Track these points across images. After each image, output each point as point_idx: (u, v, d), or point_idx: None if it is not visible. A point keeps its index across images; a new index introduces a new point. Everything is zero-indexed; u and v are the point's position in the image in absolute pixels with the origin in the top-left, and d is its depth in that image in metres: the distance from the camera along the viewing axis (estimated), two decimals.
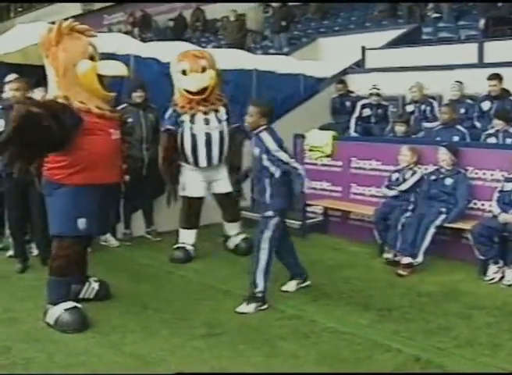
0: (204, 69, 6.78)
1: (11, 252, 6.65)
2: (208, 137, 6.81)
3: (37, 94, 6.50)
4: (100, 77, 4.86)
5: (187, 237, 7.05)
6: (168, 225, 7.68)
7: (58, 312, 4.86)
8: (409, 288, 5.86)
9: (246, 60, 9.74)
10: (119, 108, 7.35)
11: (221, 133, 6.88)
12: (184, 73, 6.81)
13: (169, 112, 6.98)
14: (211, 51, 9.38)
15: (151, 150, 7.44)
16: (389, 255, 6.76)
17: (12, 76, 6.98)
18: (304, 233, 7.85)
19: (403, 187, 6.87)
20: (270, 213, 5.37)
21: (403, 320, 5.04)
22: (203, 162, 6.88)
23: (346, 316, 5.17)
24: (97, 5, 29.32)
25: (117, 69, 5.02)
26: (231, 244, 7.24)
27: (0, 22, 37.85)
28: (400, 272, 6.26)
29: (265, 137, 5.29)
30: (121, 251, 7.33)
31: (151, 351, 4.44)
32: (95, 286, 5.49)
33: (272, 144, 5.25)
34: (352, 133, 9.33)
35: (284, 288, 5.76)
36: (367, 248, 7.16)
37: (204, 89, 6.74)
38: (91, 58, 4.90)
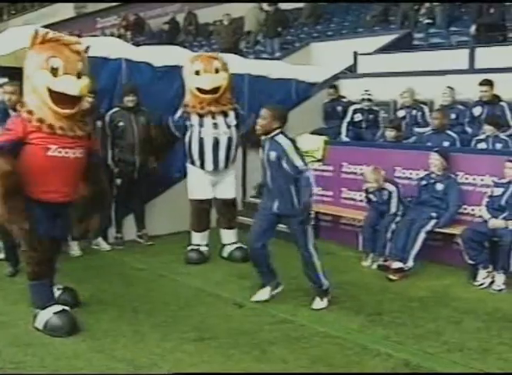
0: (217, 70, 6.87)
1: (1, 256, 6.63)
2: (216, 141, 6.87)
3: None
4: (52, 92, 4.75)
5: (199, 239, 7.12)
6: (159, 229, 7.71)
7: (47, 316, 4.85)
8: (399, 293, 5.89)
9: (238, 64, 9.73)
10: (111, 112, 7.40)
11: (229, 138, 6.94)
12: (197, 73, 6.86)
13: (179, 113, 7.02)
14: None
15: (143, 154, 7.44)
16: (367, 263, 6.80)
17: (2, 80, 6.97)
18: None
19: (391, 212, 6.83)
20: (300, 217, 5.29)
21: (393, 325, 5.07)
22: (209, 166, 6.94)
23: (337, 320, 5.19)
24: (91, 8, 29.26)
25: (67, 87, 4.73)
26: (225, 253, 7.24)
27: None
28: (391, 277, 6.29)
29: (282, 140, 5.28)
30: (112, 255, 7.31)
31: (141, 355, 4.45)
32: (57, 294, 5.27)
33: (289, 148, 5.26)
34: (343, 137, 9.35)
35: (256, 298, 5.63)
36: (358, 252, 7.18)
37: (217, 88, 6.81)
38: (53, 71, 4.74)
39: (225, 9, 17.46)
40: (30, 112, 4.76)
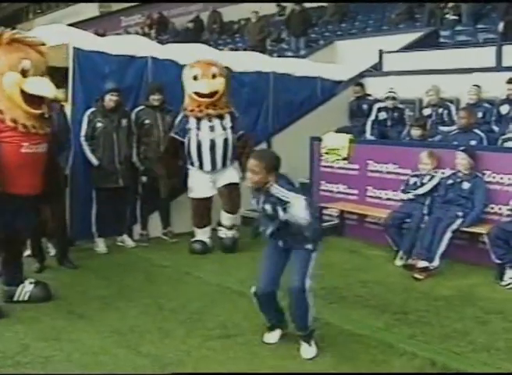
0: (214, 76, 7.10)
1: (28, 252, 6.69)
2: (213, 143, 7.09)
3: None
4: (24, 93, 4.92)
5: (201, 235, 7.33)
6: (184, 226, 7.71)
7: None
8: (425, 292, 5.84)
9: (263, 63, 9.76)
10: (136, 110, 7.45)
11: (225, 140, 7.15)
12: (195, 78, 7.11)
13: (179, 117, 7.26)
14: (228, 54, 9.46)
15: None
16: (400, 263, 6.75)
17: None
18: None
19: (421, 190, 6.86)
20: (310, 246, 4.48)
21: (419, 324, 5.03)
22: (207, 166, 7.16)
23: (361, 319, 5.16)
24: (115, 7, 29.47)
25: (42, 89, 4.97)
26: (220, 233, 7.42)
27: (18, 23, 38.20)
28: (417, 276, 6.24)
29: (276, 190, 4.27)
30: (137, 252, 7.36)
31: (167, 351, 4.47)
32: (29, 288, 5.51)
33: (285, 194, 4.23)
34: (368, 136, 9.31)
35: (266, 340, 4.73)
36: (383, 251, 7.14)
37: (214, 93, 7.03)
38: (23, 72, 4.90)
39: (251, 7, 17.44)
40: (0, 112, 4.93)
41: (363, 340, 4.70)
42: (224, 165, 7.22)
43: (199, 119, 7.09)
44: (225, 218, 7.38)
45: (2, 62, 4.92)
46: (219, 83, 7.09)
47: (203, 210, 7.31)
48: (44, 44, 5.15)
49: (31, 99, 4.95)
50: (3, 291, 5.51)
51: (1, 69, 4.92)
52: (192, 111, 7.11)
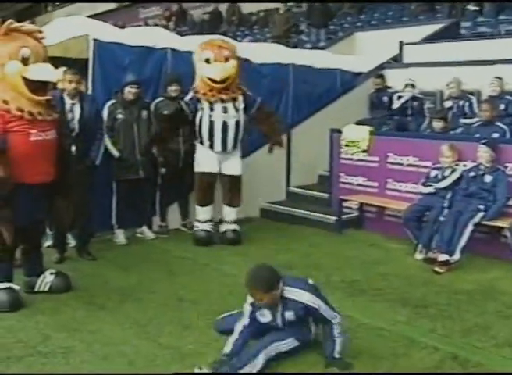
0: (227, 59, 6.99)
1: (49, 242, 6.73)
2: (225, 124, 7.06)
3: None
4: (27, 80, 4.93)
5: (203, 214, 7.31)
6: None
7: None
8: (446, 286, 5.80)
9: (283, 54, 9.72)
10: (156, 101, 7.45)
11: (237, 122, 7.14)
12: (208, 61, 7.01)
13: (189, 96, 7.20)
14: (248, 45, 9.42)
15: (188, 143, 7.47)
16: (420, 256, 6.71)
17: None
18: (340, 228, 7.84)
19: (443, 184, 6.78)
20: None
21: (439, 318, 5.00)
22: (218, 147, 7.14)
23: (382, 312, 5.14)
24: None
25: (45, 74, 4.99)
26: (222, 228, 7.41)
27: (37, 16, 38.38)
28: (437, 269, 6.20)
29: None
30: (157, 243, 7.37)
31: (187, 343, 4.48)
32: (50, 279, 5.56)
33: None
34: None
35: None
36: (403, 244, 7.08)
37: (227, 78, 6.96)
38: (23, 60, 4.91)
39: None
40: (5, 102, 4.94)
41: (383, 333, 4.69)
42: (234, 147, 7.23)
43: (211, 102, 7.05)
44: (227, 212, 7.37)
45: (2, 53, 4.93)
46: (232, 67, 6.99)
47: (206, 186, 7.25)
48: (41, 32, 5.15)
49: (34, 86, 4.96)
50: (24, 281, 5.55)
51: (1, 59, 4.94)
52: (204, 94, 7.05)
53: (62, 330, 4.71)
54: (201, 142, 7.21)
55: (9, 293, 5.20)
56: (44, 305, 5.24)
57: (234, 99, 7.12)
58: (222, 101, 7.04)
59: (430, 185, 6.91)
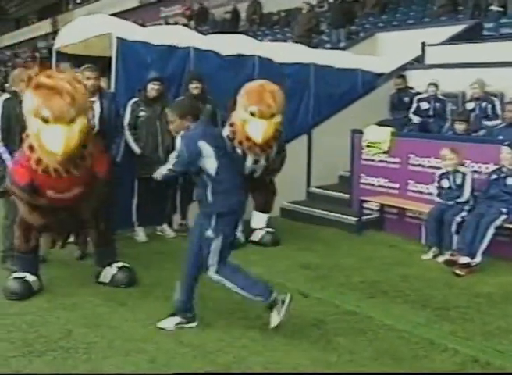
0: (272, 115, 6.56)
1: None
2: (253, 171, 6.95)
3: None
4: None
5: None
6: None
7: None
8: (466, 288, 5.77)
9: (304, 54, 9.71)
10: (177, 99, 7.46)
11: (266, 166, 7.01)
12: (252, 114, 6.54)
13: (224, 133, 6.58)
14: (269, 45, 9.41)
15: None
16: (428, 257, 6.71)
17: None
18: (360, 229, 7.83)
19: (463, 198, 6.70)
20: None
21: (460, 320, 4.97)
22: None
23: (402, 313, 5.12)
24: None
25: (52, 144, 4.77)
26: (255, 236, 7.35)
27: (58, 14, 38.70)
28: (458, 272, 6.17)
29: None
30: (177, 241, 7.38)
31: (208, 341, 4.49)
32: (113, 271, 5.70)
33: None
34: (413, 118, 9.29)
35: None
36: (423, 246, 7.06)
37: (268, 137, 6.66)
38: (44, 120, 4.74)
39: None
40: (31, 148, 4.94)
41: (403, 335, 4.67)
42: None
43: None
44: (258, 219, 7.36)
45: (28, 106, 4.89)
46: (274, 124, 6.59)
47: None
48: (79, 82, 5.02)
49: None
50: (95, 270, 5.78)
51: (26, 110, 4.91)
52: (240, 143, 6.70)
53: (84, 326, 4.75)
54: None
55: (22, 283, 5.37)
56: (65, 300, 5.29)
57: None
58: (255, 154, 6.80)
59: (451, 200, 6.81)
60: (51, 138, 4.74)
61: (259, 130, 6.53)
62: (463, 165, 6.84)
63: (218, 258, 4.67)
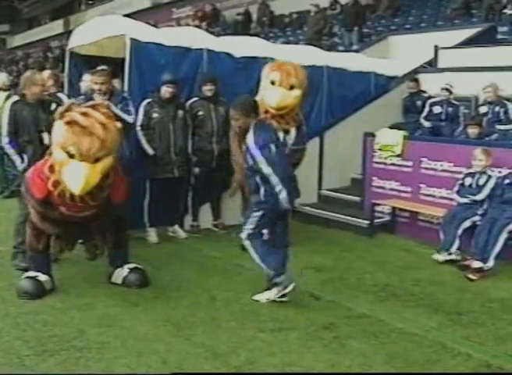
0: (292, 87, 6.73)
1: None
2: None
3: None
4: None
5: None
6: (234, 218, 7.72)
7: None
8: (479, 293, 5.75)
9: (317, 56, 9.70)
10: (191, 101, 7.50)
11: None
12: (273, 83, 6.77)
13: None
14: (282, 47, 9.41)
15: (221, 143, 7.50)
16: (440, 257, 6.68)
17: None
18: (371, 232, 7.81)
19: (480, 196, 6.66)
20: None
21: (473, 325, 4.96)
22: None
23: (415, 317, 5.11)
24: None
25: (72, 182, 4.83)
26: None
27: (71, 14, 38.86)
28: (470, 276, 6.14)
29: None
30: (189, 242, 7.41)
31: (220, 342, 4.50)
32: (124, 273, 5.72)
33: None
34: (425, 123, 9.24)
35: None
36: (435, 250, 7.03)
37: (283, 107, 6.74)
38: (69, 155, 4.81)
39: (304, 0, 17.36)
40: (51, 168, 5.01)
41: (416, 339, 4.66)
42: None
43: None
44: None
45: (57, 137, 4.95)
46: (293, 97, 6.74)
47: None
48: (111, 119, 5.07)
49: None
50: (108, 270, 5.82)
51: (56, 142, 4.96)
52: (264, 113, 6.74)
53: (97, 326, 4.77)
54: None
55: (33, 282, 5.41)
56: (78, 300, 5.31)
57: (286, 131, 6.85)
58: None
59: (466, 197, 6.80)
60: (72, 175, 4.81)
61: (276, 95, 6.68)
62: (492, 169, 6.80)
63: (254, 226, 5.24)
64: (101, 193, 5.08)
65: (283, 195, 5.12)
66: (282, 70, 6.76)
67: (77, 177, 4.79)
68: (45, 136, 6.01)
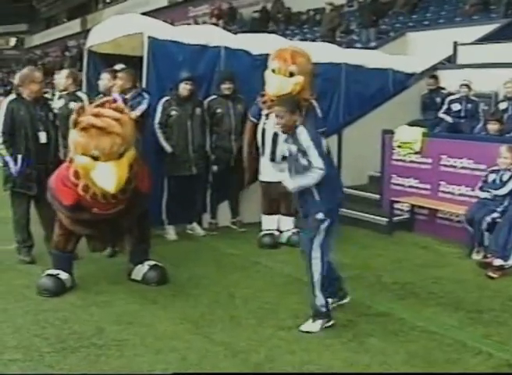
0: (291, 74, 6.76)
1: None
2: (275, 136, 6.78)
3: None
4: None
5: (270, 223, 7.23)
6: (253, 216, 7.72)
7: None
8: (500, 291, 5.70)
9: (335, 54, 9.66)
10: (209, 99, 7.49)
11: None
12: (273, 71, 6.86)
13: (256, 100, 7.13)
14: (300, 44, 9.38)
15: (240, 141, 7.49)
16: (478, 257, 6.60)
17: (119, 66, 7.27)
18: (390, 230, 7.76)
19: (502, 191, 6.59)
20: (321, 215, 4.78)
21: (494, 324, 4.91)
22: (267, 155, 6.97)
23: (435, 316, 5.08)
24: None
25: (104, 182, 4.88)
26: (283, 238, 7.28)
27: (89, 13, 39.02)
28: (491, 274, 6.09)
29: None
30: (207, 240, 7.42)
31: (239, 340, 4.50)
32: (144, 270, 5.73)
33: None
34: (447, 118, 9.19)
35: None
36: (455, 247, 6.99)
37: (282, 95, 6.61)
38: (93, 158, 4.87)
39: None
40: (76, 174, 5.05)
41: (436, 337, 4.63)
42: (284, 159, 7.07)
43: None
44: (284, 222, 7.30)
45: (76, 144, 4.99)
46: (293, 84, 6.72)
47: (270, 195, 7.15)
48: (124, 113, 5.13)
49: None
50: (128, 267, 5.84)
51: (76, 148, 4.99)
52: (264, 102, 6.98)
53: (116, 323, 4.79)
54: (258, 148, 7.14)
55: (54, 280, 5.45)
56: (98, 298, 5.33)
57: None
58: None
59: (487, 191, 6.73)
60: (104, 176, 4.88)
61: (273, 83, 6.78)
62: None
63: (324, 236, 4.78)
64: (129, 185, 5.14)
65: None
66: (280, 58, 6.85)
67: (109, 177, 4.87)
68: (41, 135, 6.06)
